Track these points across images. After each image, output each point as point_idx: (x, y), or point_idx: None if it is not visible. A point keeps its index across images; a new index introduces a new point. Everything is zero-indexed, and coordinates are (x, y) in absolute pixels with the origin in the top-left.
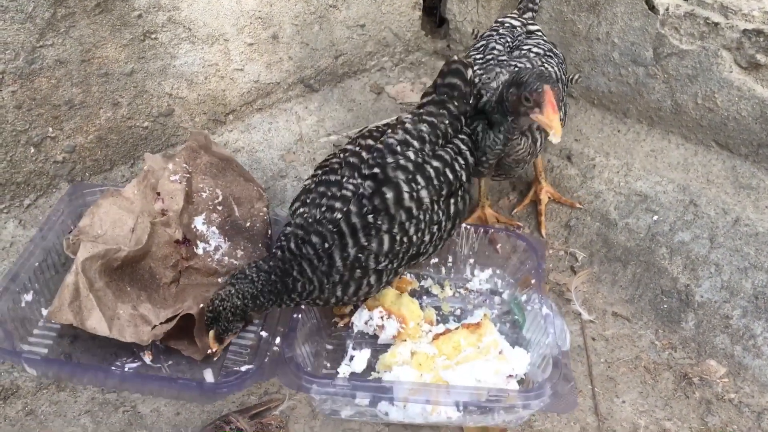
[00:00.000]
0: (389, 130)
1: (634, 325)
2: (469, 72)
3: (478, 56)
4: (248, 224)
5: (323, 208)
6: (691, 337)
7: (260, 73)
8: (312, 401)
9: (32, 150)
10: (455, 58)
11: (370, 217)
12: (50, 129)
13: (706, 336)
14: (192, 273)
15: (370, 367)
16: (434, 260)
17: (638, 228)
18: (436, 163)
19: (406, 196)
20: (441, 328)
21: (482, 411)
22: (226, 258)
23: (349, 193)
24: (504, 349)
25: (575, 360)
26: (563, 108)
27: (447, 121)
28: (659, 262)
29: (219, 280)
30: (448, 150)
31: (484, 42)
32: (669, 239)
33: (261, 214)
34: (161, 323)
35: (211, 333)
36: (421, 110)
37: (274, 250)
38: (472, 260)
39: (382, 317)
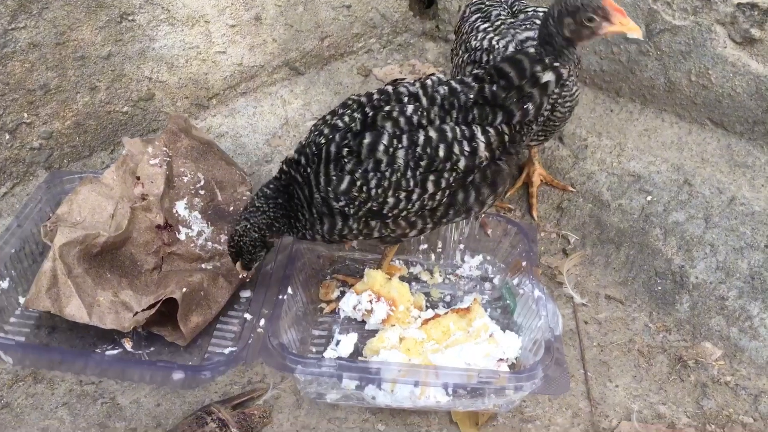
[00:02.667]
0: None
1: (628, 308)
2: (537, 69)
3: (484, 25)
4: (232, 208)
5: (316, 133)
6: (685, 319)
7: (243, 56)
8: (297, 383)
9: (7, 137)
10: (530, 51)
11: (344, 151)
12: (25, 114)
13: (701, 318)
14: (174, 259)
15: (357, 352)
16: (423, 246)
17: (632, 209)
18: (432, 133)
19: (381, 147)
20: (430, 313)
21: (472, 394)
22: (210, 243)
23: (341, 124)
24: (494, 332)
25: (567, 344)
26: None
27: (472, 96)
28: (653, 243)
29: (203, 265)
30: (458, 129)
31: (481, 14)
32: (663, 220)
33: (244, 198)
34: (143, 309)
35: (238, 264)
36: (457, 77)
37: (276, 174)
38: (462, 246)
39: (371, 300)
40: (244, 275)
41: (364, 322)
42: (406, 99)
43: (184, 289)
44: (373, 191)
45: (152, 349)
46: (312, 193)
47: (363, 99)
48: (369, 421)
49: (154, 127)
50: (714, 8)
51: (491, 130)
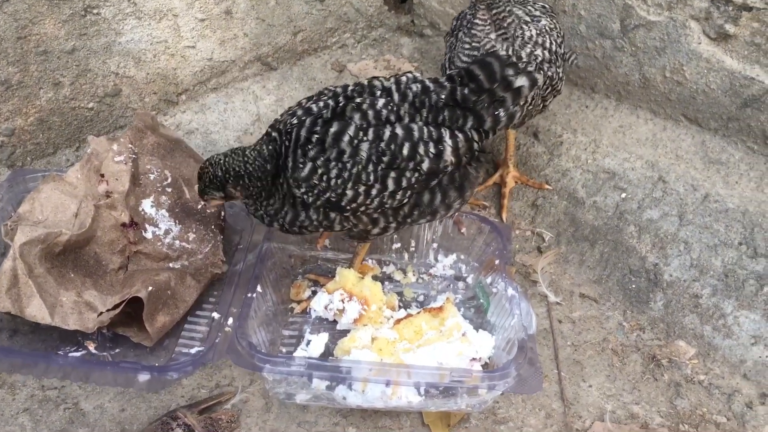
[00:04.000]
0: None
1: (602, 307)
2: (509, 73)
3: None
4: (200, 206)
5: (290, 113)
6: (659, 318)
7: (213, 51)
8: (266, 384)
9: None
10: (501, 53)
11: (313, 138)
12: None
13: (675, 316)
14: (141, 258)
15: (328, 352)
16: (396, 245)
17: (606, 206)
18: (399, 130)
19: (346, 138)
20: (402, 313)
21: (444, 394)
22: (177, 242)
23: (315, 109)
24: (467, 331)
25: (541, 344)
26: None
27: (443, 97)
28: (627, 240)
29: (170, 264)
30: (426, 130)
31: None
32: (637, 217)
33: None
34: (108, 310)
35: (197, 186)
36: (430, 77)
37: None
38: (435, 245)
39: (343, 300)
40: (204, 203)
41: (335, 322)
42: (378, 93)
43: (150, 288)
44: (333, 181)
45: (117, 350)
46: (285, 176)
47: (338, 89)
48: (340, 425)
49: (122, 124)
50: (689, 4)
51: (460, 135)
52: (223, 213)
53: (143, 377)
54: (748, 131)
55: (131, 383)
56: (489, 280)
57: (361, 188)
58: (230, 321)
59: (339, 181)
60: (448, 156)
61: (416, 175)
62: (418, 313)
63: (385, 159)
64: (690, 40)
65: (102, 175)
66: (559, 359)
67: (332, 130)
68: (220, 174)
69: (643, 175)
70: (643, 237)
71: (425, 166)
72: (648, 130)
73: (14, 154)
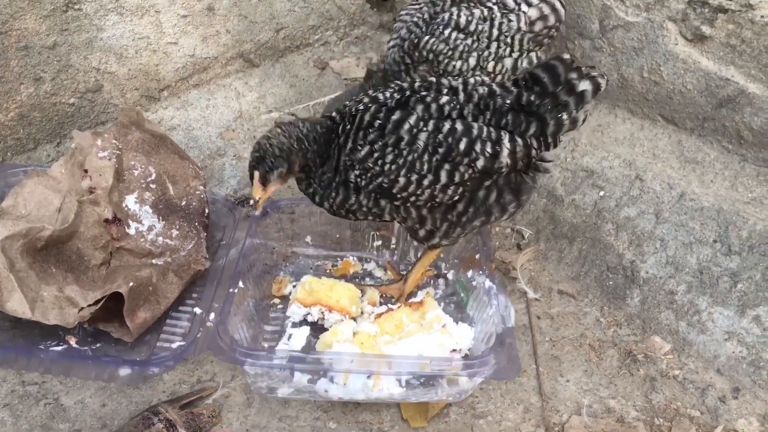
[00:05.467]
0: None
1: (580, 303)
2: (573, 77)
3: None
4: (184, 203)
5: (357, 102)
6: (636, 314)
7: (196, 47)
8: (247, 378)
9: None
10: (565, 56)
11: (375, 123)
12: None
13: (651, 312)
14: (124, 254)
15: (310, 346)
16: (377, 242)
17: (584, 204)
18: (458, 126)
19: (406, 126)
20: (383, 308)
21: (425, 385)
22: (161, 238)
23: (381, 98)
24: (447, 323)
25: (520, 339)
26: None
27: (509, 101)
28: (605, 238)
29: (153, 261)
30: (486, 130)
31: None
32: (615, 215)
33: (197, 192)
34: (89, 305)
35: (256, 175)
36: (498, 82)
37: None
38: (416, 242)
39: (322, 313)
40: (256, 198)
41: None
42: (445, 90)
43: (131, 284)
44: (387, 166)
45: (98, 345)
46: (341, 156)
47: (405, 84)
48: (320, 419)
49: (103, 120)
50: (666, 5)
51: (520, 140)
52: (206, 210)
53: (124, 371)
54: (723, 131)
55: (112, 378)
56: (469, 275)
57: (414, 177)
58: (212, 316)
59: (393, 167)
60: (504, 158)
61: (470, 171)
62: (399, 307)
63: (440, 151)
64: (667, 41)
65: (86, 171)
66: (537, 354)
67: (394, 117)
68: (285, 140)
69: (621, 174)
70: (620, 234)
71: (480, 164)
72: (626, 130)
73: None
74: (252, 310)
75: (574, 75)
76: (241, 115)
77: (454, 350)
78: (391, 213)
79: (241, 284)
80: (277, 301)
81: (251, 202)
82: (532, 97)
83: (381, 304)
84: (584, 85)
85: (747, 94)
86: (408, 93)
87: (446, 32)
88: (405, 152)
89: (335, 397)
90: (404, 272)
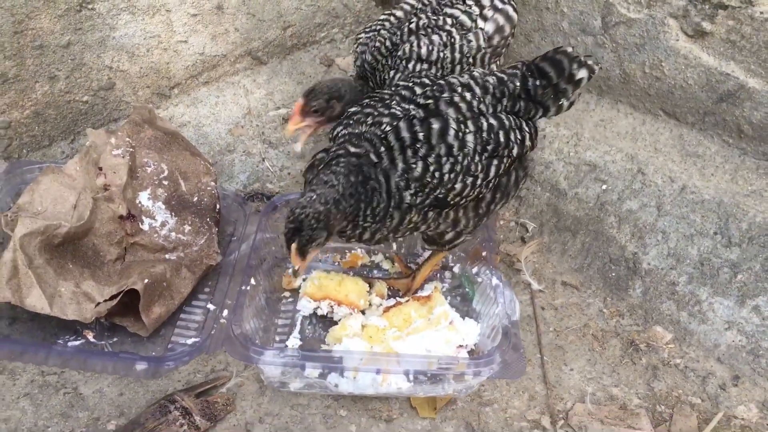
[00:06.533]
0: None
1: (583, 294)
2: (574, 68)
3: None
4: (195, 199)
5: (369, 123)
6: (638, 305)
7: (205, 45)
8: (260, 372)
9: None
10: (568, 49)
11: (419, 136)
12: None
13: (652, 303)
14: (138, 249)
15: (320, 340)
16: None
17: (587, 197)
18: (492, 121)
19: (451, 132)
20: (392, 301)
21: (432, 381)
22: (173, 234)
23: (399, 113)
24: (454, 319)
25: (525, 330)
26: None
27: (518, 84)
28: (608, 230)
29: (166, 256)
30: (512, 118)
31: None
32: (617, 208)
33: (209, 188)
34: (105, 300)
35: (293, 246)
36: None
37: (337, 151)
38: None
39: (332, 307)
40: (296, 267)
41: None
42: (459, 89)
43: (146, 280)
44: (446, 176)
45: (115, 339)
46: (389, 180)
47: (406, 93)
48: (331, 407)
49: (115, 117)
50: (667, 2)
51: (532, 123)
52: (218, 206)
53: (141, 366)
54: (724, 125)
55: (129, 372)
56: (475, 270)
57: (469, 180)
58: (225, 312)
59: (452, 176)
60: (528, 142)
61: (508, 160)
62: (407, 301)
63: (489, 148)
64: (668, 37)
65: (100, 168)
66: (541, 344)
67: (435, 127)
68: (321, 208)
69: (623, 168)
70: (622, 227)
71: (515, 152)
72: (628, 124)
73: (10, 146)
74: (263, 303)
75: (575, 65)
76: (250, 112)
77: (460, 346)
78: (429, 224)
79: (252, 281)
80: (287, 294)
81: (289, 269)
82: (538, 85)
83: (389, 296)
84: (582, 73)
85: (747, 88)
86: (428, 99)
87: (410, 66)
88: (460, 158)
89: (345, 392)
90: (411, 264)
